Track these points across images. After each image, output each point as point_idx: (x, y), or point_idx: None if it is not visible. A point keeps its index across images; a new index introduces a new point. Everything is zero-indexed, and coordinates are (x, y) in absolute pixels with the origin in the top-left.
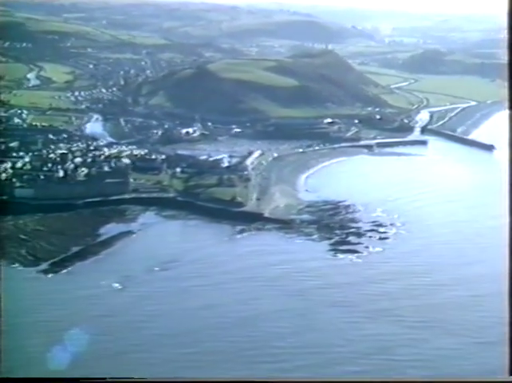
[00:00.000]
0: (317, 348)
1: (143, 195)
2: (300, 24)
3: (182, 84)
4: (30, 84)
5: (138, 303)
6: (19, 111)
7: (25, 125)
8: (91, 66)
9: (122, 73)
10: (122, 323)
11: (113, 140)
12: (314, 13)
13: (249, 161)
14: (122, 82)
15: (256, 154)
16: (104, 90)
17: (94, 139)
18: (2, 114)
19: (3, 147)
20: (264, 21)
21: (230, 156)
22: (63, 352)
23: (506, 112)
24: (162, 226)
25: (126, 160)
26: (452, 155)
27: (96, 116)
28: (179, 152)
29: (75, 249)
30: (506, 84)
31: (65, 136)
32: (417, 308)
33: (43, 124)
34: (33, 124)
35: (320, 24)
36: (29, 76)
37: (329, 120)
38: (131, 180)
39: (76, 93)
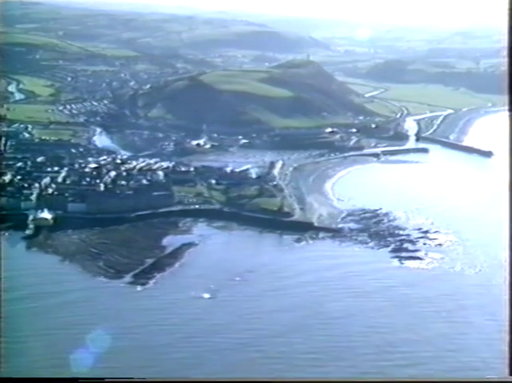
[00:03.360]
0: (402, 347)
1: (191, 207)
2: (258, 34)
3: (178, 96)
4: (16, 98)
5: (226, 309)
6: (22, 125)
7: (36, 140)
8: (69, 79)
9: (104, 85)
10: (219, 326)
11: (128, 153)
12: (263, 23)
13: (276, 172)
14: (110, 95)
15: (279, 165)
16: (95, 103)
17: (111, 152)
18: (9, 129)
19: (29, 162)
20: (222, 32)
21: (257, 167)
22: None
23: (486, 118)
24: (219, 236)
25: (161, 173)
26: (455, 161)
27: (98, 129)
28: (206, 163)
29: (149, 261)
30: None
31: (81, 149)
32: (481, 307)
33: (52, 138)
34: (43, 138)
35: (278, 34)
36: (9, 89)
37: (329, 129)
38: None
39: (68, 107)
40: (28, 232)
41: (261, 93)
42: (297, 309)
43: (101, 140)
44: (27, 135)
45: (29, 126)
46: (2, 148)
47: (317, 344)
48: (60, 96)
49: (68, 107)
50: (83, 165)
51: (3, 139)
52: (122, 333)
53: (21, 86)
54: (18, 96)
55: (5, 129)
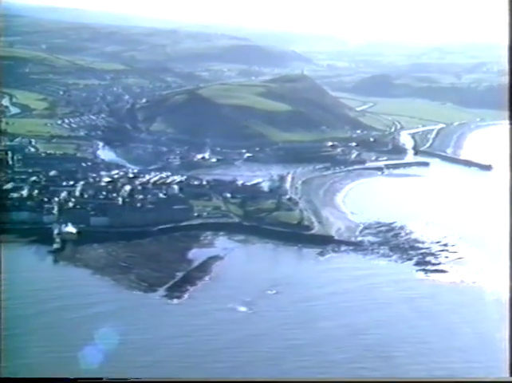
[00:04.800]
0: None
1: (210, 221)
2: (241, 48)
3: (178, 109)
4: (12, 112)
5: (261, 320)
6: (24, 139)
7: (43, 154)
8: (61, 93)
9: (98, 99)
10: (256, 336)
11: (135, 167)
12: (244, 36)
13: (287, 185)
14: (107, 108)
15: (289, 178)
16: (93, 117)
17: (119, 166)
18: (13, 143)
19: (41, 176)
20: (206, 46)
21: (268, 181)
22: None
23: (478, 132)
24: (242, 250)
25: (175, 187)
26: (456, 174)
27: (101, 143)
28: (215, 177)
29: (178, 274)
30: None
31: (90, 163)
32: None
33: (58, 152)
34: (48, 152)
35: (262, 48)
36: (3, 103)
37: (330, 143)
38: None
39: (67, 120)
40: (56, 246)
41: (261, 107)
42: (329, 319)
43: (106, 154)
44: (32, 149)
45: (33, 140)
46: (11, 162)
47: (354, 353)
48: (55, 110)
49: (66, 121)
50: (97, 179)
51: (9, 153)
52: (168, 343)
53: (14, 100)
54: (14, 110)
55: (8, 143)
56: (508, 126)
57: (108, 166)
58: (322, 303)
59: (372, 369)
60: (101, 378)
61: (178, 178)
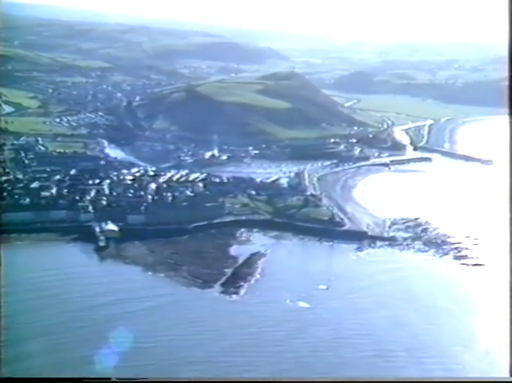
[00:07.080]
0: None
1: (243, 218)
2: (218, 45)
3: (178, 107)
4: (6, 111)
5: (318, 311)
6: (31, 138)
7: (54, 153)
8: (50, 91)
9: (90, 97)
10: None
11: (149, 165)
12: (218, 33)
13: (307, 182)
14: (102, 106)
15: (306, 175)
16: (90, 115)
17: (134, 164)
18: (19, 142)
19: (62, 175)
20: (183, 43)
21: (286, 177)
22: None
23: (466, 127)
24: (282, 246)
25: (201, 184)
26: (461, 169)
27: (105, 141)
28: (233, 174)
29: (227, 271)
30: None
31: (103, 162)
32: None
33: (67, 150)
34: (58, 150)
35: (238, 45)
36: None
37: (333, 140)
38: None
39: (65, 119)
40: (101, 244)
41: (260, 105)
42: (380, 310)
43: (114, 152)
44: (42, 148)
45: (40, 139)
46: (26, 161)
47: (412, 341)
48: (49, 108)
49: (64, 119)
50: (120, 177)
51: (21, 152)
52: (237, 333)
53: (4, 98)
54: (7, 108)
55: (16, 142)
56: (507, 121)
57: (123, 164)
58: (371, 295)
59: (436, 356)
60: (109, 378)
61: (199, 175)
